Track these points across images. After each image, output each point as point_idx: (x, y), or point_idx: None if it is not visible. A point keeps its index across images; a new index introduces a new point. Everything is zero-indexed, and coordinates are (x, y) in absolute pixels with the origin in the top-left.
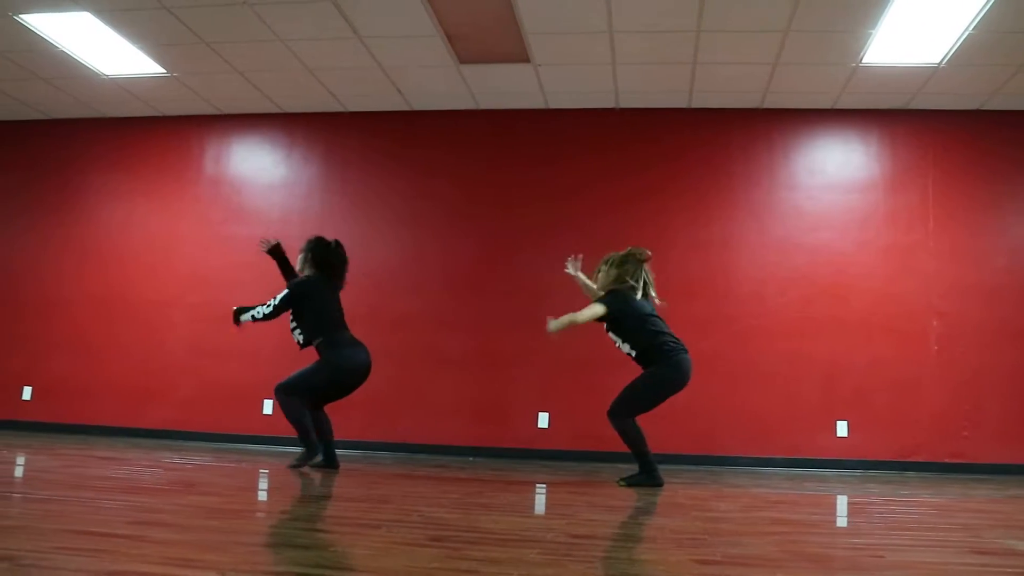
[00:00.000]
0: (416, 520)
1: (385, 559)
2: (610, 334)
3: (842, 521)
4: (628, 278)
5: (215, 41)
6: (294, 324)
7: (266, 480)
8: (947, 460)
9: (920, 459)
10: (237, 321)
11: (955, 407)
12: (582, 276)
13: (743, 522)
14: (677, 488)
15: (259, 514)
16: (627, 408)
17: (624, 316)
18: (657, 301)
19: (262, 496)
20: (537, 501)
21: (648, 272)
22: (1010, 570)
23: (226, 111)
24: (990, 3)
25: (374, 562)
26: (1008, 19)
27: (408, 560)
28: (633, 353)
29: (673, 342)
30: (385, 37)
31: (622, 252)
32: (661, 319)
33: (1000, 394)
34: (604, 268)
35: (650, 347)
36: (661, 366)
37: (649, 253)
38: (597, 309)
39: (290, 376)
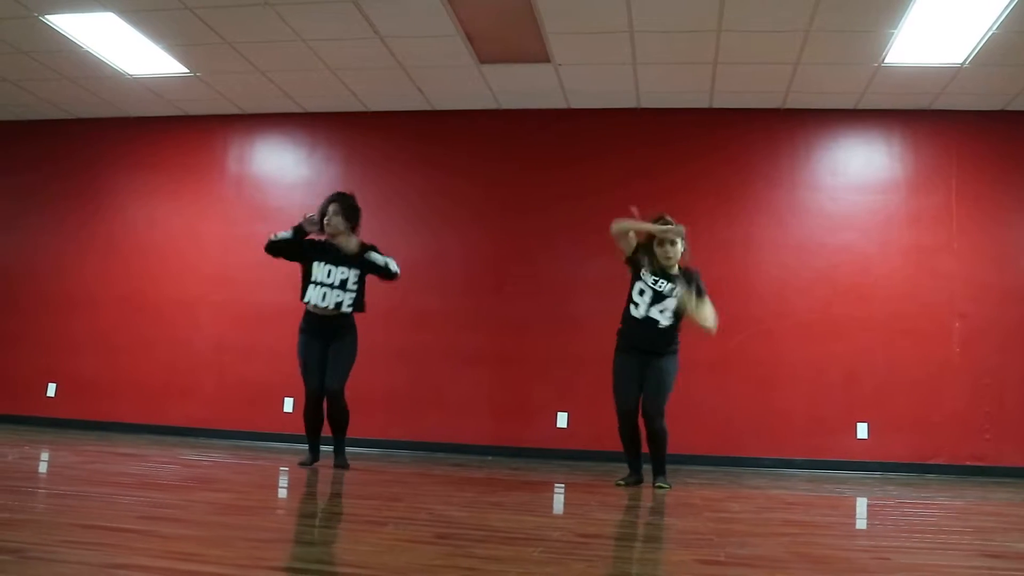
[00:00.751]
0: (424, 518)
1: (387, 556)
2: (668, 300)
3: (854, 523)
4: None
5: (237, 41)
6: (357, 288)
7: (281, 478)
8: (968, 463)
9: (941, 461)
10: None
11: (976, 409)
12: (638, 226)
13: (754, 523)
14: (692, 489)
15: (269, 511)
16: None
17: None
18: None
19: (275, 493)
20: (550, 500)
21: None
22: (1017, 573)
23: (249, 111)
24: (1014, 3)
25: (376, 558)
26: None
27: (410, 557)
28: (670, 324)
29: None
30: (406, 37)
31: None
32: None
33: (1020, 397)
34: (683, 242)
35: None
36: (678, 351)
37: None
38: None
39: (341, 373)
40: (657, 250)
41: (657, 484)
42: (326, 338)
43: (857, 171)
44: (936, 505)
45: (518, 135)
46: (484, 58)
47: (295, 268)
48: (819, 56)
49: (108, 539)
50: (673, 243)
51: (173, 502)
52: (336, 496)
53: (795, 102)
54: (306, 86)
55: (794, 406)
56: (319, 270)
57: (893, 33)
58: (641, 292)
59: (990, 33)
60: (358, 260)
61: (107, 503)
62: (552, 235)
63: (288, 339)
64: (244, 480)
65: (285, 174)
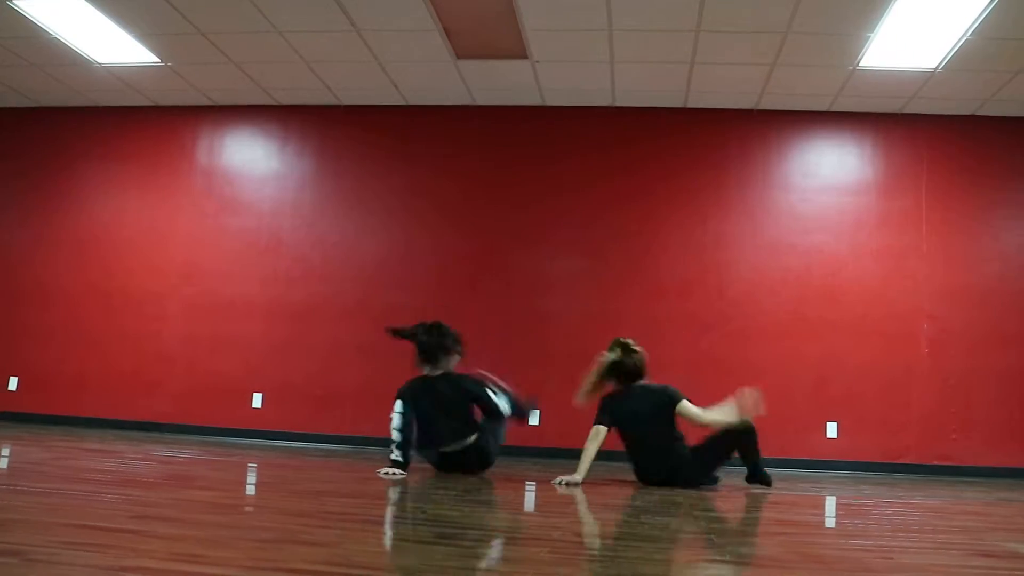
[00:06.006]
0: (419, 517)
1: (398, 557)
2: None
3: (845, 522)
4: None
5: (211, 31)
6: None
7: (260, 475)
8: (935, 462)
9: (909, 461)
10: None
11: (944, 409)
12: None
13: (747, 523)
14: (673, 488)
15: (260, 509)
16: None
17: None
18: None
19: (260, 491)
20: (534, 499)
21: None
22: (1013, 571)
23: (220, 102)
24: (988, 9)
25: (385, 559)
26: (1005, 26)
27: (421, 558)
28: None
29: None
30: (383, 31)
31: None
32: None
33: (988, 397)
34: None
35: None
36: None
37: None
38: None
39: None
40: None
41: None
42: None
43: (829, 173)
44: (915, 504)
45: (492, 131)
46: (461, 53)
47: (265, 264)
48: (795, 58)
49: (107, 540)
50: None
51: (160, 500)
52: (321, 494)
53: (769, 103)
54: (280, 78)
55: (765, 405)
56: None
57: (870, 37)
58: None
59: (964, 39)
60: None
61: (93, 502)
62: (526, 232)
63: (257, 334)
64: (224, 477)
65: (256, 167)
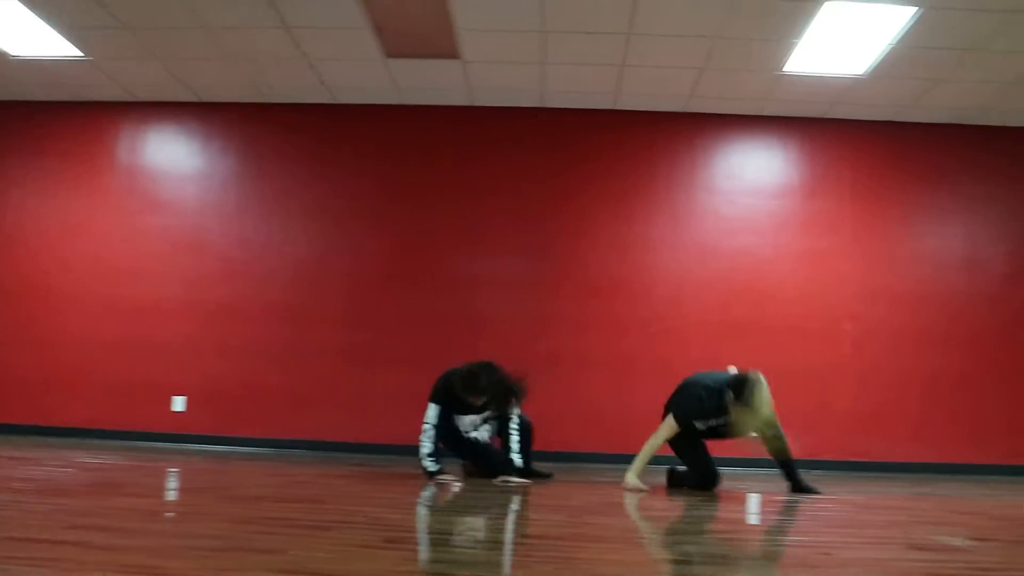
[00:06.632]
0: (363, 521)
1: (348, 563)
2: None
3: (777, 520)
4: None
5: (136, 25)
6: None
7: (191, 480)
8: (855, 458)
9: (829, 458)
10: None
11: (864, 407)
12: None
13: (689, 520)
14: (607, 488)
15: (201, 517)
16: None
17: None
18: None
19: (195, 497)
20: (473, 500)
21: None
22: (951, 564)
23: (143, 98)
24: (914, 19)
25: (339, 566)
26: (929, 35)
27: (372, 564)
28: None
29: None
30: (313, 28)
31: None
32: None
33: (906, 395)
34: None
35: None
36: None
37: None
38: None
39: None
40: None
41: (814, 488)
42: None
43: (755, 176)
44: (842, 500)
45: (420, 131)
46: (391, 52)
47: (188, 264)
48: (724, 62)
49: (49, 554)
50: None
51: (93, 509)
52: (259, 499)
53: (697, 106)
54: (204, 75)
55: None
56: None
57: (795, 43)
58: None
59: (890, 46)
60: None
61: (24, 512)
62: (455, 233)
63: (180, 334)
64: (155, 484)
65: (179, 165)
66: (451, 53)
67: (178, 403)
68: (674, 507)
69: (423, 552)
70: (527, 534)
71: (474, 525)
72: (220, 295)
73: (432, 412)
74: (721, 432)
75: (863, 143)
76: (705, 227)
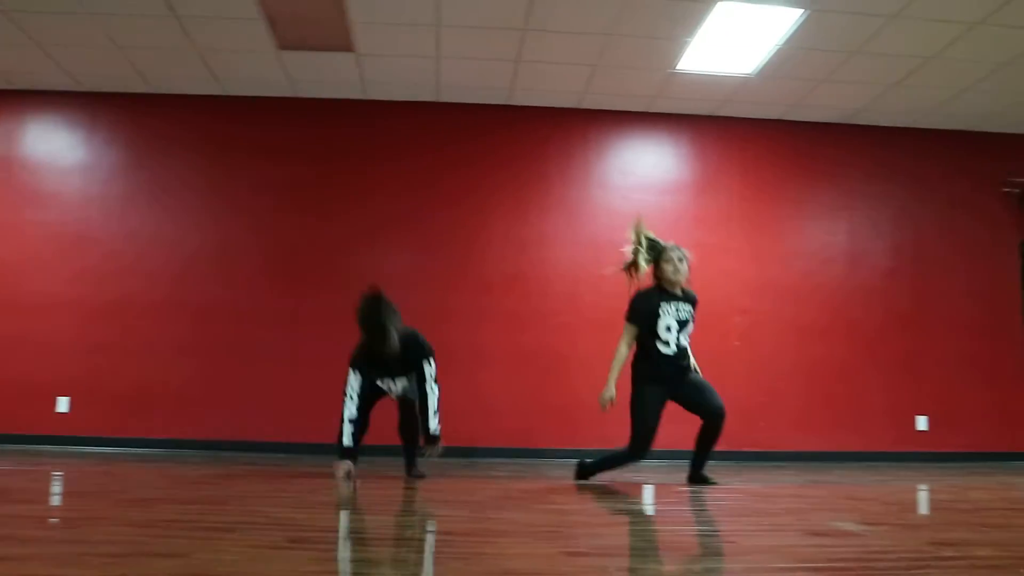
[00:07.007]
0: (264, 522)
1: (256, 564)
2: (689, 324)
3: (679, 510)
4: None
5: (13, 8)
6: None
7: (80, 484)
8: (745, 448)
9: (721, 448)
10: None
11: (753, 398)
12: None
13: (590, 513)
14: (504, 482)
15: (95, 521)
16: None
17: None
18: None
19: (87, 502)
20: (373, 498)
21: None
22: (848, 548)
23: (21, 86)
24: (800, 21)
25: (247, 568)
26: (815, 36)
27: (281, 564)
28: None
29: None
30: (203, 17)
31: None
32: None
33: (793, 386)
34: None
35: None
36: None
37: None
38: None
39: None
40: (666, 267)
41: (712, 480)
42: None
43: (647, 172)
44: (738, 490)
45: (314, 125)
46: (284, 44)
47: (72, 259)
48: (618, 59)
49: None
50: (682, 259)
51: None
52: (154, 502)
53: (591, 103)
54: (88, 63)
55: (584, 399)
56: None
57: (688, 41)
58: (668, 328)
59: (777, 47)
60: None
61: None
62: (350, 227)
63: (64, 332)
64: (42, 488)
65: (61, 157)
66: (345, 46)
67: (62, 404)
68: (576, 501)
69: (331, 551)
70: (433, 530)
71: (379, 523)
72: (106, 291)
73: (352, 380)
74: (681, 312)
75: (752, 141)
76: (600, 223)
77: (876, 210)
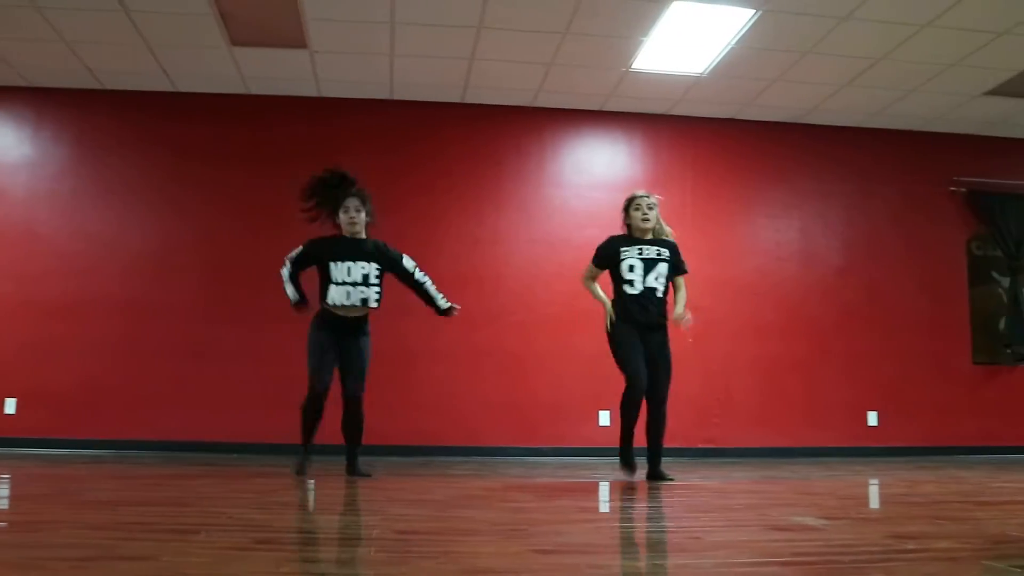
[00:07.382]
0: (228, 523)
1: (224, 566)
2: (660, 265)
3: (640, 507)
4: None
5: None
6: (379, 283)
7: (33, 487)
8: (700, 445)
9: (676, 445)
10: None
11: (707, 396)
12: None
13: (551, 511)
14: (462, 480)
15: (56, 525)
16: None
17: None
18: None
19: (43, 505)
20: (329, 498)
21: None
22: (810, 542)
23: None
24: (752, 21)
25: (215, 570)
26: (766, 36)
27: (249, 566)
28: (664, 291)
29: None
30: (154, 12)
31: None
32: None
33: (746, 383)
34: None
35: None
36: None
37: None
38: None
39: (363, 377)
40: (635, 214)
41: (668, 476)
42: (344, 337)
43: (601, 170)
44: (698, 486)
45: (266, 122)
46: (236, 40)
47: (17, 258)
48: (572, 58)
49: None
50: (651, 207)
51: None
52: (113, 504)
53: (545, 101)
54: (34, 58)
55: (540, 396)
56: (338, 269)
57: (643, 41)
58: (631, 268)
59: (729, 47)
60: (376, 255)
61: None
62: (304, 226)
63: (9, 333)
64: None
65: (6, 154)
66: (299, 42)
67: (9, 405)
68: (535, 499)
69: (298, 552)
70: (397, 529)
71: (342, 522)
72: (54, 290)
73: (292, 252)
74: (646, 251)
75: (705, 140)
76: (554, 221)
77: (827, 209)
